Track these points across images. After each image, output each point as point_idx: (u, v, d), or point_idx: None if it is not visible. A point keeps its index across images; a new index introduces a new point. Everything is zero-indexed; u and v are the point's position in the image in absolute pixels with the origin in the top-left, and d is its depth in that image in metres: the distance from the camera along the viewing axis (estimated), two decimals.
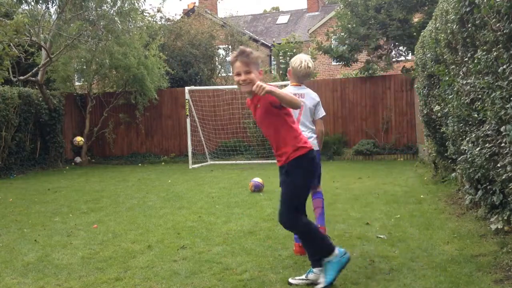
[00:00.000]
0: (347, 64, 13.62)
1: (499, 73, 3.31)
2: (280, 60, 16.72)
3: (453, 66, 4.79)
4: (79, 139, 13.45)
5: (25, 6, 10.71)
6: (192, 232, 5.16)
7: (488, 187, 4.70)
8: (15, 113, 11.72)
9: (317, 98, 4.40)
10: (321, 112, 4.44)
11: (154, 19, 15.79)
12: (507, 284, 3.27)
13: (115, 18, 11.76)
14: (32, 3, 10.75)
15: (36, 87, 12.90)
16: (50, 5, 11.10)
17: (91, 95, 14.40)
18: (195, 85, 15.45)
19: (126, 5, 11.80)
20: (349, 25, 12.93)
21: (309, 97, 4.32)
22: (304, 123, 4.25)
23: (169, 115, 14.97)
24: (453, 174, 6.85)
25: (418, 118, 11.13)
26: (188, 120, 12.81)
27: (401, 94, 13.16)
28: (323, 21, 25.74)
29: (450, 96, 5.02)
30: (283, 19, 32.71)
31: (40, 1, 10.80)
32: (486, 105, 3.69)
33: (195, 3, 24.10)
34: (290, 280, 3.51)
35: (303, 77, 4.30)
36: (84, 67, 13.89)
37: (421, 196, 6.77)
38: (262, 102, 3.30)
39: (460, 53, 4.45)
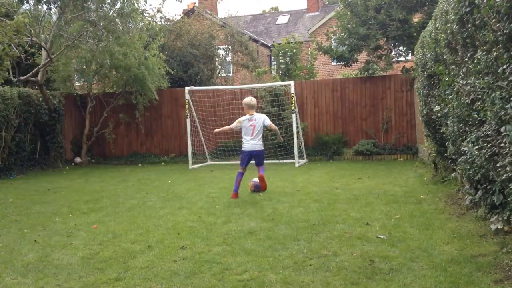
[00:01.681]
0: (347, 64, 13.61)
1: (499, 73, 3.31)
2: (280, 61, 16.67)
3: (453, 66, 4.79)
4: None
5: (26, 6, 10.72)
6: (192, 232, 5.16)
7: (488, 187, 4.71)
8: (15, 113, 11.71)
9: (262, 118, 7.19)
10: (268, 122, 7.19)
11: (154, 20, 15.78)
12: (507, 284, 3.27)
13: (116, 19, 11.74)
14: (33, 3, 10.75)
15: (36, 87, 12.89)
16: (51, 5, 11.09)
17: (91, 95, 14.40)
18: (195, 85, 15.44)
19: (126, 5, 11.78)
20: (349, 25, 12.93)
21: (258, 119, 7.13)
22: (257, 135, 7.10)
23: (169, 115, 14.97)
24: (453, 174, 6.85)
25: (418, 118, 11.13)
26: (188, 120, 12.81)
27: (401, 94, 13.15)
28: (323, 21, 25.74)
29: (450, 96, 5.02)
30: (283, 19, 32.74)
31: (42, 1, 10.79)
32: (486, 105, 3.69)
33: (195, 3, 24.07)
34: None
35: (253, 108, 7.17)
36: (84, 67, 13.89)
37: (421, 196, 6.77)
38: None
39: (460, 53, 4.45)
